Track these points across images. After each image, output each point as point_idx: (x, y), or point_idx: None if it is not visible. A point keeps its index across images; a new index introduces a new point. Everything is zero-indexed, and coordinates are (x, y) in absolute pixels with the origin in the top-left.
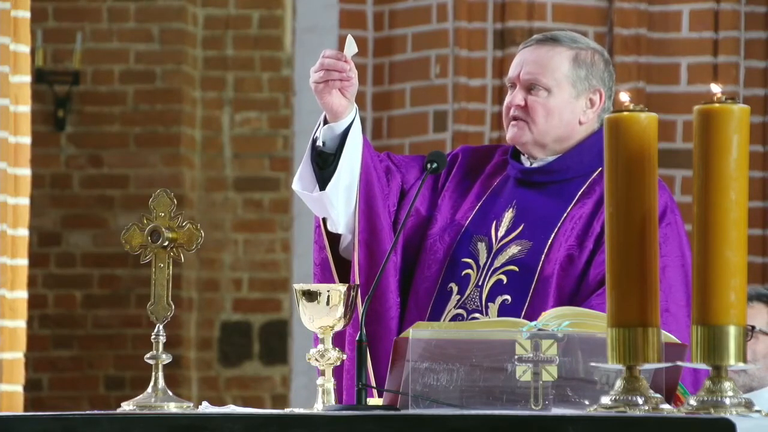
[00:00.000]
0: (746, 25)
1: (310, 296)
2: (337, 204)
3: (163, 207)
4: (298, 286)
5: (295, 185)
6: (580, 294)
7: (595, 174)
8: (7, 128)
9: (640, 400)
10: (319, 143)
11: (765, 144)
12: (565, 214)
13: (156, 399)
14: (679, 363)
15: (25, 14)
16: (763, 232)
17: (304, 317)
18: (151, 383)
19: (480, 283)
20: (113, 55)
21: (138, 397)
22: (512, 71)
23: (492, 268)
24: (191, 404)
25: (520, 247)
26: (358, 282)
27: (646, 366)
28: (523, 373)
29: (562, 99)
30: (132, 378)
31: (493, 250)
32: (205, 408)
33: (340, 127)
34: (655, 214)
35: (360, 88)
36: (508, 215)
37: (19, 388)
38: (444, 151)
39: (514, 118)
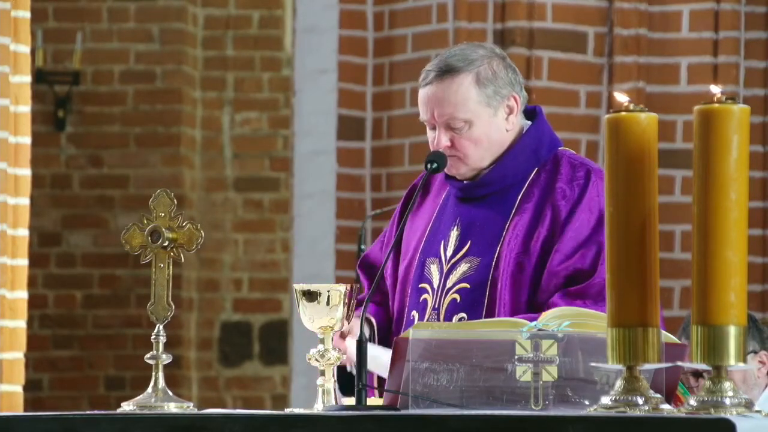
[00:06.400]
0: (746, 25)
1: (310, 296)
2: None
3: (163, 207)
4: (298, 286)
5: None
6: (544, 286)
7: (532, 175)
8: (7, 128)
9: (640, 400)
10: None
11: (765, 144)
12: (507, 224)
13: (156, 399)
14: (679, 363)
15: (25, 14)
16: (763, 232)
17: (304, 317)
18: (151, 383)
19: (436, 306)
20: (113, 55)
21: (138, 397)
22: (423, 113)
23: (445, 289)
24: (191, 404)
25: (469, 264)
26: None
27: (646, 366)
28: (523, 373)
29: (484, 123)
30: (132, 378)
31: (445, 271)
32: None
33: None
34: (655, 214)
35: (360, 88)
36: (454, 234)
37: (19, 388)
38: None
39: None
